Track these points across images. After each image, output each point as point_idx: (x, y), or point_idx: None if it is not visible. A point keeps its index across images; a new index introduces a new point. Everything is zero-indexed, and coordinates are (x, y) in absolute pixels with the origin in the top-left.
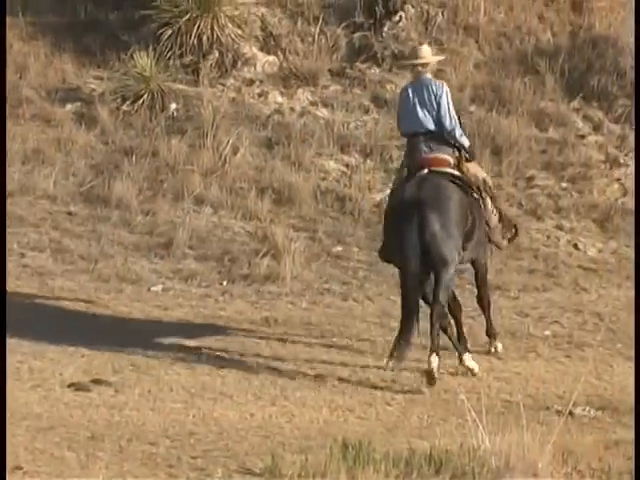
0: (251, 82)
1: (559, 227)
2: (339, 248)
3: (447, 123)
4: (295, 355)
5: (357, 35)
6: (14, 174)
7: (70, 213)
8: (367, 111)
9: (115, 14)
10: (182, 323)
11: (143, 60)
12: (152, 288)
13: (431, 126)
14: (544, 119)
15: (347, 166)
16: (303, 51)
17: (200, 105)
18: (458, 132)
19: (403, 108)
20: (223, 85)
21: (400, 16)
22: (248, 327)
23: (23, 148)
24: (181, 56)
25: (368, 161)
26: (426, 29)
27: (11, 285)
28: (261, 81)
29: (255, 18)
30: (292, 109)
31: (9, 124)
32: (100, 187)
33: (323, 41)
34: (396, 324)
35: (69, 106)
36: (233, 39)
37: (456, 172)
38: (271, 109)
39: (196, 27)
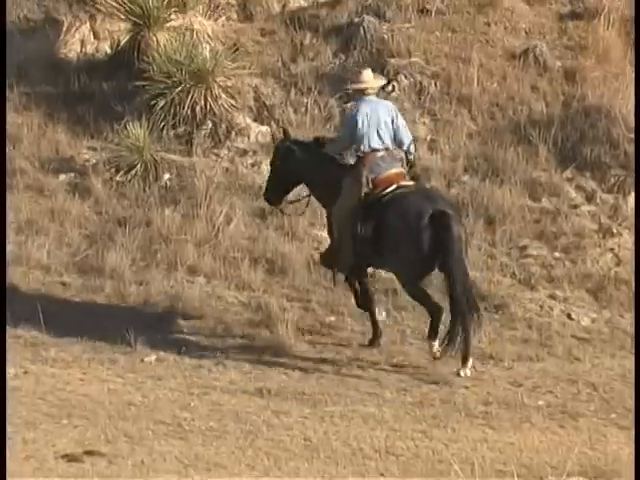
0: (244, 152)
1: (552, 297)
2: (332, 318)
3: (406, 138)
4: (288, 425)
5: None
6: (7, 244)
7: (64, 283)
8: None
9: (108, 84)
10: (175, 393)
11: (136, 130)
12: (145, 359)
13: (388, 142)
14: (537, 189)
15: None
16: (296, 121)
17: (193, 175)
18: (413, 147)
19: (360, 126)
20: (216, 155)
21: (393, 86)
22: (242, 397)
23: (17, 218)
24: (174, 126)
25: None
26: (419, 99)
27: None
28: (254, 151)
29: (248, 88)
30: None
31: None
32: (94, 257)
33: (316, 111)
34: (389, 394)
35: (63, 176)
36: (226, 109)
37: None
38: (264, 179)
39: (189, 98)
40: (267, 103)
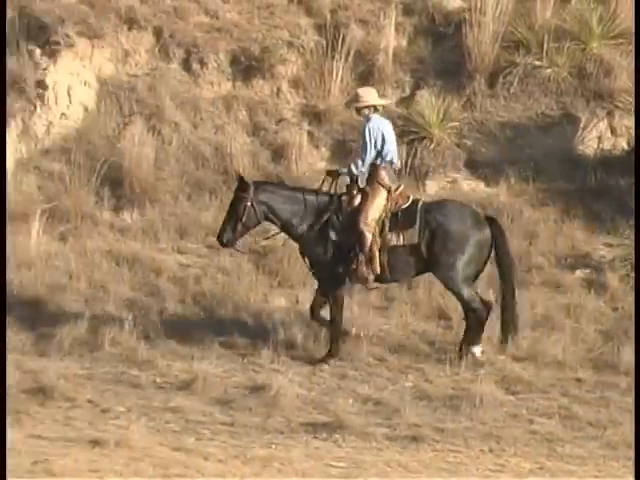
0: None
1: None
2: None
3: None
4: None
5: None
6: (523, 340)
7: (579, 379)
8: None
9: (625, 180)
10: None
11: None
12: None
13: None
14: None
15: None
16: None
17: None
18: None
19: (386, 139)
20: None
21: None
22: None
23: (532, 314)
24: None
25: None
26: None
27: (518, 451)
28: None
29: None
30: None
31: (519, 291)
32: (609, 353)
33: None
34: None
35: (578, 272)
36: None
37: None
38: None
39: None
40: None
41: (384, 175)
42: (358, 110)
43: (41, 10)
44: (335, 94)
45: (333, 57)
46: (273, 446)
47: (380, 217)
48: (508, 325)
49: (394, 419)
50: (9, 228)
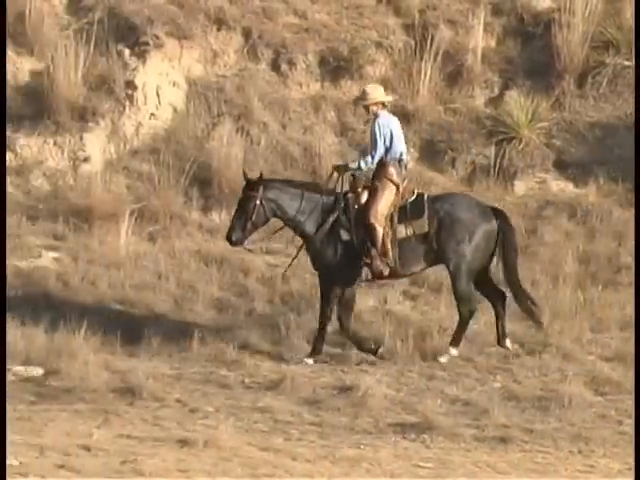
0: None
1: None
2: None
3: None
4: None
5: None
6: (611, 340)
7: None
8: None
9: None
10: None
11: None
12: None
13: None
14: None
15: None
16: None
17: None
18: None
19: (395, 136)
20: None
21: None
22: None
23: (621, 314)
24: None
25: None
26: None
27: (607, 452)
28: None
29: None
30: None
31: (608, 291)
32: None
33: None
34: None
35: None
36: None
37: None
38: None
39: None
40: None
41: (392, 171)
42: (366, 107)
43: (130, 11)
44: (424, 94)
45: (421, 57)
46: (361, 446)
47: (389, 212)
48: (532, 312)
49: (482, 420)
50: (99, 229)
